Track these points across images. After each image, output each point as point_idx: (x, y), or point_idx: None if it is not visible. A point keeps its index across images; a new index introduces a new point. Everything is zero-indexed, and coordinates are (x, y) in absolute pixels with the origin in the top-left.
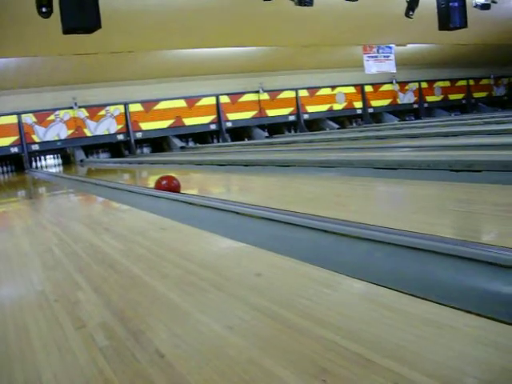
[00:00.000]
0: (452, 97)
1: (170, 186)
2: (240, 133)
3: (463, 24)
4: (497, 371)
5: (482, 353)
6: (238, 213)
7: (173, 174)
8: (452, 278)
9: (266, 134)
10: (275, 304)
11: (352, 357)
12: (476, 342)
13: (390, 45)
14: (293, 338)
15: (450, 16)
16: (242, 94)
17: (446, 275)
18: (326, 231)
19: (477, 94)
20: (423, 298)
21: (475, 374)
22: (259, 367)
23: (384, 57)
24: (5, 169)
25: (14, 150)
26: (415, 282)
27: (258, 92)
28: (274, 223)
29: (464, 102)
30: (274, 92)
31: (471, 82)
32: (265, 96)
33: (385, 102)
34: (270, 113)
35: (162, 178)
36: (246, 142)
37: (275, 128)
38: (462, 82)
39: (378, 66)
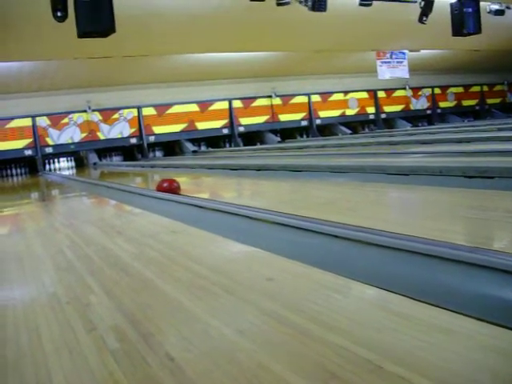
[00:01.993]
0: (465, 103)
1: (170, 187)
2: (252, 137)
3: (477, 30)
4: (508, 380)
5: (493, 361)
6: (249, 217)
7: (184, 178)
8: (464, 285)
9: (279, 138)
10: (286, 309)
11: (362, 362)
12: (487, 349)
13: (404, 50)
14: (303, 343)
15: (464, 22)
16: (255, 98)
17: (457, 282)
18: (337, 236)
19: (490, 101)
20: (434, 305)
21: (486, 381)
22: (269, 372)
23: (397, 62)
24: (19, 171)
25: (28, 152)
26: (426, 288)
27: (270, 97)
28: (285, 228)
29: (477, 108)
30: (286, 97)
31: (485, 88)
32: (277, 101)
33: (397, 108)
34: (283, 118)
35: (162, 181)
36: (258, 146)
37: (287, 133)
38: (476, 88)
39: (391, 72)
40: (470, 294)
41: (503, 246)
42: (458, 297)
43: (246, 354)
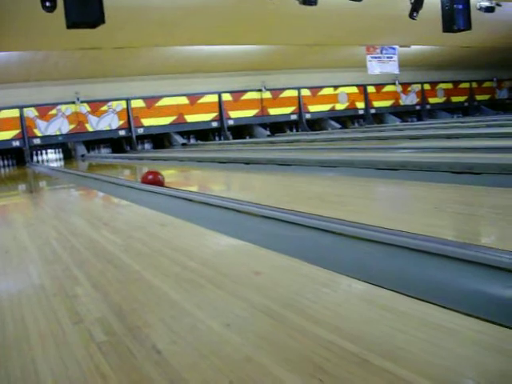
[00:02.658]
0: (454, 99)
1: (155, 180)
2: (242, 131)
3: (467, 26)
4: (496, 374)
5: (481, 356)
6: (238, 211)
7: (172, 170)
8: (451, 281)
9: (268, 132)
10: (273, 302)
11: (349, 356)
12: (475, 344)
13: (394, 46)
14: (290, 336)
15: (454, 18)
16: (245, 92)
17: (445, 277)
18: (325, 230)
19: (479, 97)
20: (422, 300)
21: (473, 376)
22: (256, 365)
23: (387, 58)
24: (6, 162)
25: (16, 143)
26: (414, 283)
27: (260, 90)
28: (274, 222)
29: (466, 104)
30: (276, 91)
31: (474, 85)
32: (267, 94)
33: (387, 103)
34: (272, 111)
35: (147, 173)
36: (248, 140)
37: (277, 127)
38: (465, 85)
39: (381, 67)
40: (457, 290)
41: (490, 241)
42: (447, 292)
43: (233, 347)
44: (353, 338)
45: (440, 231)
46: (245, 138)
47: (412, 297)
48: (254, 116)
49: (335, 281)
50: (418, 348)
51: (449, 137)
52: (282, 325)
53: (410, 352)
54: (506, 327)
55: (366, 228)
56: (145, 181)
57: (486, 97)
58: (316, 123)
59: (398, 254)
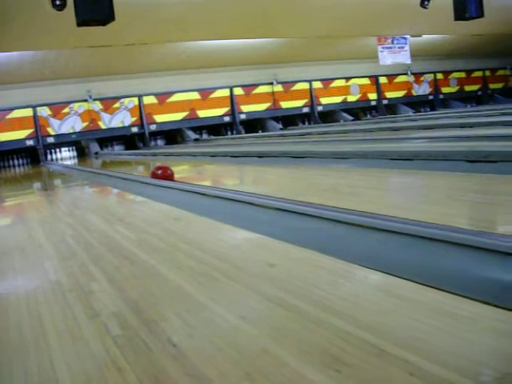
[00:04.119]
0: (468, 88)
1: (164, 174)
2: (254, 125)
3: (479, 14)
4: None
5: (499, 344)
6: (251, 203)
7: (186, 166)
8: (468, 269)
9: (280, 125)
10: (289, 294)
11: (366, 347)
12: (493, 332)
13: (405, 36)
14: (306, 327)
15: (466, 6)
16: (256, 85)
17: (461, 265)
18: (340, 221)
19: (493, 85)
20: (439, 289)
21: (492, 364)
22: (272, 357)
23: (399, 48)
24: (20, 161)
25: (30, 142)
26: (430, 272)
27: (271, 84)
28: (288, 214)
29: (480, 93)
30: (287, 84)
31: (487, 73)
32: (279, 88)
33: (400, 94)
34: (284, 105)
35: (156, 168)
36: (260, 133)
37: (289, 120)
38: (478, 73)
39: (392, 58)
40: (475, 278)
41: (506, 229)
42: (462, 280)
43: (249, 340)
44: (370, 328)
45: (455, 220)
46: (257, 131)
47: (428, 286)
48: (266, 110)
49: (351, 271)
50: (435, 337)
51: (463, 126)
52: (298, 316)
53: (427, 341)
54: None
55: (380, 218)
56: (154, 176)
57: (499, 85)
58: (328, 115)
59: (414, 244)
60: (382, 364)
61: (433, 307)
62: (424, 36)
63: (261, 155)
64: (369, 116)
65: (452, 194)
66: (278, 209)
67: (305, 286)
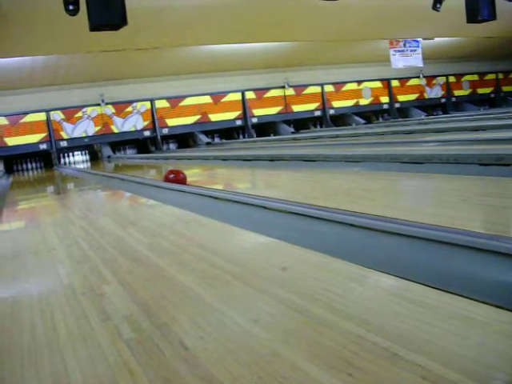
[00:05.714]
0: (480, 91)
1: (177, 178)
2: (266, 128)
3: (492, 16)
4: None
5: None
6: (264, 207)
7: (198, 169)
8: (481, 273)
9: (292, 129)
10: (301, 298)
11: (378, 351)
12: (506, 337)
13: (417, 39)
14: (318, 331)
15: (479, 8)
16: (268, 89)
17: (473, 269)
18: (353, 225)
19: (506, 88)
20: (452, 293)
21: (506, 369)
22: (284, 360)
23: (411, 51)
24: (34, 165)
25: (43, 146)
26: (442, 276)
27: (283, 87)
28: (300, 217)
29: (493, 95)
30: (299, 87)
31: (500, 76)
32: (290, 91)
33: (412, 97)
34: (296, 108)
35: (169, 172)
36: (272, 137)
37: (301, 123)
38: (491, 76)
39: (404, 61)
40: (487, 282)
41: None
42: (476, 284)
43: (261, 343)
44: (382, 332)
45: (468, 223)
46: (269, 135)
47: (440, 289)
48: (278, 113)
49: (364, 275)
50: (447, 341)
51: (475, 129)
52: (310, 320)
53: (439, 345)
54: None
55: (394, 222)
56: (167, 180)
57: None
58: (340, 119)
59: (426, 247)
60: (394, 368)
61: (446, 311)
62: (436, 39)
63: (273, 159)
64: (381, 119)
65: (465, 198)
66: (291, 212)
67: (317, 289)
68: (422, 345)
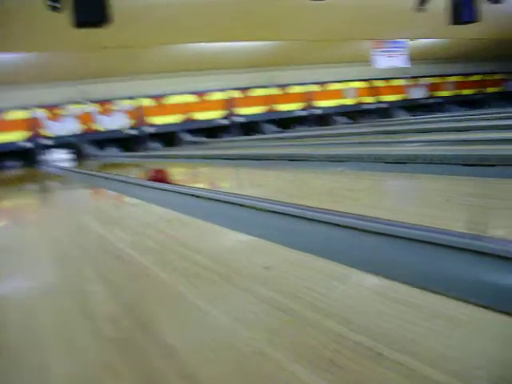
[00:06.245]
0: (465, 92)
1: (159, 177)
2: (250, 127)
3: (474, 18)
4: (510, 366)
5: (495, 348)
6: (246, 206)
7: (182, 168)
8: (464, 273)
9: (277, 128)
10: (284, 296)
11: (362, 350)
12: (489, 336)
13: (401, 39)
14: (301, 330)
15: (461, 11)
16: (252, 88)
17: (458, 269)
18: (336, 224)
19: (490, 89)
20: (435, 292)
21: (488, 368)
22: (267, 359)
23: (395, 51)
24: (16, 163)
25: (25, 144)
26: (427, 276)
27: (268, 87)
28: (283, 217)
29: (477, 97)
30: (284, 87)
31: (484, 77)
32: (275, 91)
33: (396, 97)
34: (280, 107)
35: (152, 171)
36: (257, 136)
37: (285, 123)
38: (476, 77)
39: (388, 61)
40: (471, 282)
41: (502, 232)
42: (460, 284)
43: (244, 342)
44: (365, 331)
45: (452, 223)
46: (254, 134)
47: (425, 289)
48: (263, 112)
49: (346, 274)
50: (431, 341)
51: (459, 129)
52: (293, 318)
53: (424, 345)
54: None
55: (376, 221)
56: (150, 178)
57: (496, 89)
58: (324, 119)
59: (409, 247)
60: (378, 367)
61: (430, 310)
62: (422, 40)
63: (257, 158)
64: (365, 119)
65: (448, 198)
66: (274, 211)
67: (300, 288)
68: (406, 344)
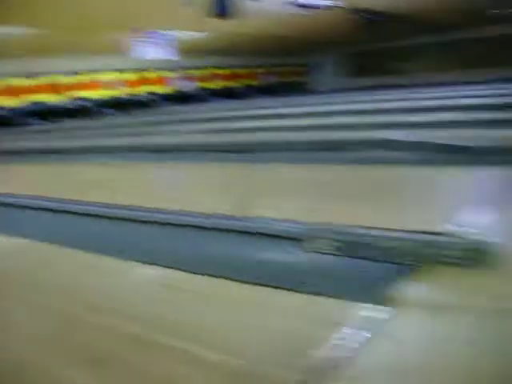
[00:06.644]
0: (230, 84)
1: None
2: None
3: (227, 13)
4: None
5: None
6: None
7: None
8: (229, 252)
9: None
10: (51, 297)
11: (133, 340)
12: (284, 316)
13: (164, 31)
14: (70, 329)
15: (216, 5)
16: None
17: (224, 249)
18: (98, 216)
19: (252, 82)
20: (216, 277)
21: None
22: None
23: (161, 43)
24: None
25: None
26: (200, 259)
27: (20, 76)
28: (38, 212)
29: (242, 90)
30: (38, 76)
31: (250, 71)
32: (33, 81)
33: (164, 89)
34: (39, 99)
35: None
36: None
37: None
38: (242, 71)
39: (153, 52)
40: (239, 261)
41: (264, 212)
42: (230, 265)
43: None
44: (141, 320)
45: (217, 207)
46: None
47: (190, 272)
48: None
49: (118, 267)
50: (211, 323)
51: (220, 119)
52: (62, 317)
53: (203, 328)
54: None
55: (140, 210)
56: None
57: (255, 82)
58: (88, 110)
59: (182, 234)
60: (155, 354)
61: (205, 294)
62: (189, 32)
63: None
64: (135, 111)
65: (211, 184)
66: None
67: (72, 287)
68: (190, 331)
